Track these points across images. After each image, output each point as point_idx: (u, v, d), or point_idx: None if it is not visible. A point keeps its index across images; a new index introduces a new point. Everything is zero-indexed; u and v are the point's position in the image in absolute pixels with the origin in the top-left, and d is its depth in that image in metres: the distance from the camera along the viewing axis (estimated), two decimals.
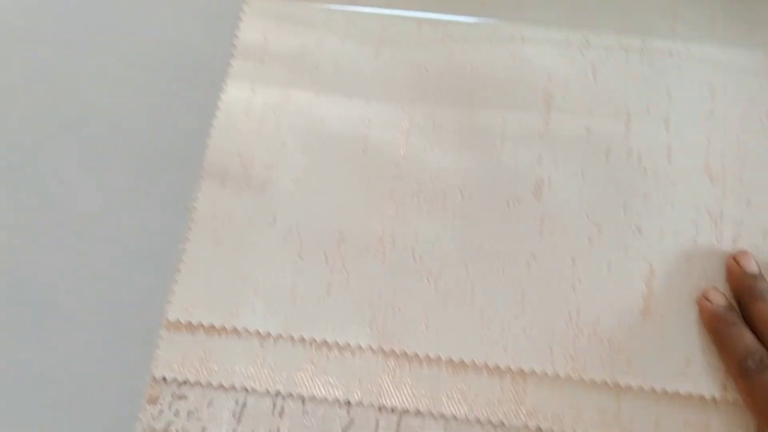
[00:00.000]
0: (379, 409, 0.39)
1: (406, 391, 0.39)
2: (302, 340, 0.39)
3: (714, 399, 0.38)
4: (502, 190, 0.42)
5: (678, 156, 0.42)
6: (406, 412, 0.39)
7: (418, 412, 0.39)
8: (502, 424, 0.38)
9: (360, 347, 0.39)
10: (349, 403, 0.39)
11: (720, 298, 0.39)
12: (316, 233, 0.41)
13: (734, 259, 0.39)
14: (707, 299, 0.39)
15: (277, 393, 0.39)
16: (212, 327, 0.40)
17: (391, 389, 0.39)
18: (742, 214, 0.41)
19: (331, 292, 0.40)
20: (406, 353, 0.39)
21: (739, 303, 0.39)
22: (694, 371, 0.38)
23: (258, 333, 0.40)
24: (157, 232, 0.43)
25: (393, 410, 0.39)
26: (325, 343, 0.39)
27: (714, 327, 0.38)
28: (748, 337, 0.37)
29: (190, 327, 0.40)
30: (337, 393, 0.39)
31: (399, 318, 0.40)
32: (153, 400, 0.39)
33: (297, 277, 0.41)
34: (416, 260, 0.41)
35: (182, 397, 0.39)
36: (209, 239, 0.41)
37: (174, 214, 0.43)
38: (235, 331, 0.40)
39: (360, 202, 0.42)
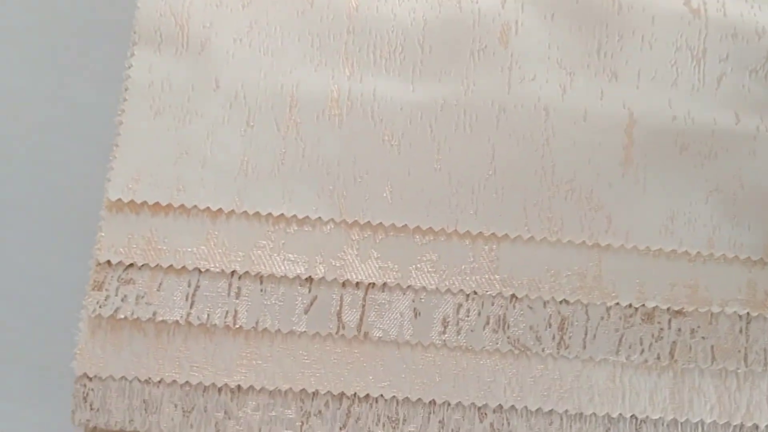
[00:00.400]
0: (343, 284, 0.36)
1: (372, 264, 0.36)
2: (257, 215, 0.36)
3: (701, 255, 0.35)
4: (465, 39, 0.37)
5: None
6: (372, 286, 0.36)
7: (384, 286, 0.36)
8: (475, 293, 0.35)
9: (320, 219, 0.36)
10: (311, 279, 0.36)
11: None
12: (264, 97, 0.37)
13: None
14: None
15: (233, 273, 0.36)
16: (158, 205, 0.36)
17: (356, 263, 0.36)
18: (727, 49, 0.37)
19: (286, 162, 0.36)
20: (370, 224, 0.36)
21: None
22: (680, 226, 0.35)
23: (209, 209, 0.36)
24: (88, 106, 0.39)
25: (358, 285, 0.36)
26: (283, 217, 0.36)
27: None
28: None
29: (134, 206, 0.36)
30: (297, 269, 0.36)
31: (361, 186, 0.36)
32: (98, 286, 0.36)
33: (247, 146, 0.37)
34: (376, 122, 0.37)
35: (129, 281, 0.36)
36: (148, 110, 0.37)
37: (105, 86, 0.39)
38: (183, 208, 0.36)
39: (311, 62, 0.37)
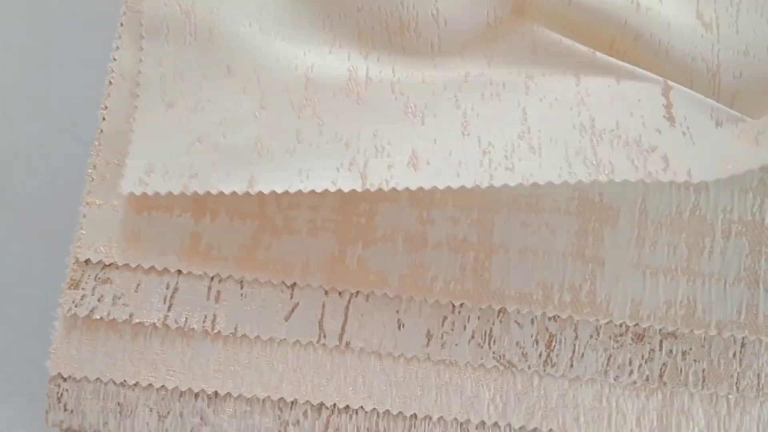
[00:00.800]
0: (326, 292, 0.35)
1: (356, 272, 0.34)
2: (242, 216, 0.35)
3: (702, 274, 0.34)
4: (479, 8, 0.35)
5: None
6: (355, 294, 0.35)
7: (369, 295, 0.35)
8: (462, 306, 0.34)
9: (312, 221, 0.35)
10: (293, 285, 0.35)
11: None
12: (278, 80, 0.35)
13: None
14: None
15: (214, 276, 0.35)
16: (141, 202, 0.35)
17: (342, 269, 0.35)
18: (741, 67, 0.35)
19: (303, 140, 0.34)
20: (362, 226, 0.35)
21: None
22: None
23: (192, 209, 0.35)
24: (86, 101, 0.38)
25: (341, 293, 0.35)
26: (270, 221, 0.35)
27: None
28: None
29: (115, 204, 0.35)
30: (281, 275, 0.34)
31: (383, 155, 0.33)
32: (74, 285, 0.35)
33: (261, 128, 0.34)
34: (397, 96, 0.35)
35: (107, 280, 0.35)
36: (160, 103, 0.35)
37: (89, 80, 0.38)
38: (166, 208, 0.35)
39: (324, 44, 0.36)
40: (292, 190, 0.33)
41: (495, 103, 0.34)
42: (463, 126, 0.34)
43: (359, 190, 0.33)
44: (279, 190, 0.33)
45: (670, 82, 0.35)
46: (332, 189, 0.33)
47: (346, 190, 0.33)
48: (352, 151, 0.33)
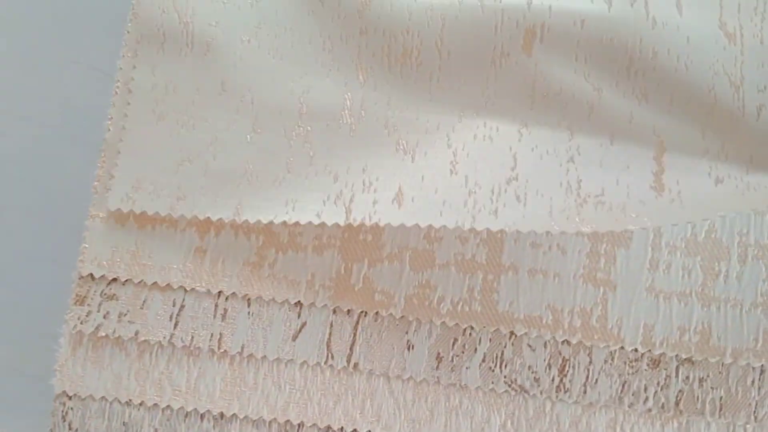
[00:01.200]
0: (334, 311, 0.34)
1: (364, 291, 0.34)
2: (248, 232, 0.34)
3: (717, 299, 0.33)
4: (486, 44, 0.35)
5: (690, 8, 0.35)
6: (364, 314, 0.34)
7: (377, 315, 0.34)
8: (472, 328, 0.33)
9: (316, 241, 0.34)
10: (300, 304, 0.34)
11: None
12: (273, 103, 0.35)
13: None
14: None
15: (220, 293, 0.34)
16: (144, 217, 0.34)
17: (349, 288, 0.34)
18: (765, 80, 0.34)
19: (292, 170, 0.34)
20: (367, 245, 0.34)
21: None
22: None
23: (197, 224, 0.34)
24: (83, 108, 0.37)
25: (349, 312, 0.34)
26: (275, 237, 0.34)
27: None
28: None
29: (121, 217, 0.34)
30: (287, 293, 0.34)
31: (370, 191, 0.33)
32: (80, 300, 0.34)
33: (252, 153, 0.34)
34: (390, 131, 0.34)
35: (112, 296, 0.34)
36: (150, 114, 0.35)
37: (103, 87, 0.37)
38: (171, 221, 0.34)
39: (322, 66, 0.35)
40: (277, 221, 0.33)
41: (487, 144, 0.34)
42: (452, 164, 0.33)
43: (342, 224, 0.33)
44: (264, 221, 0.33)
45: (666, 142, 0.34)
46: (316, 222, 0.33)
47: (329, 223, 0.33)
48: (339, 185, 0.33)
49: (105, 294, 0.34)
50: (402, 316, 0.34)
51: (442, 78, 0.35)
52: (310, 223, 0.33)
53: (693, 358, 0.33)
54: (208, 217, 0.34)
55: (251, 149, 0.34)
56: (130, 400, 0.34)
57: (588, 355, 0.33)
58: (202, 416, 0.34)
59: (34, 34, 0.39)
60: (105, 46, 0.37)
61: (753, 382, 0.33)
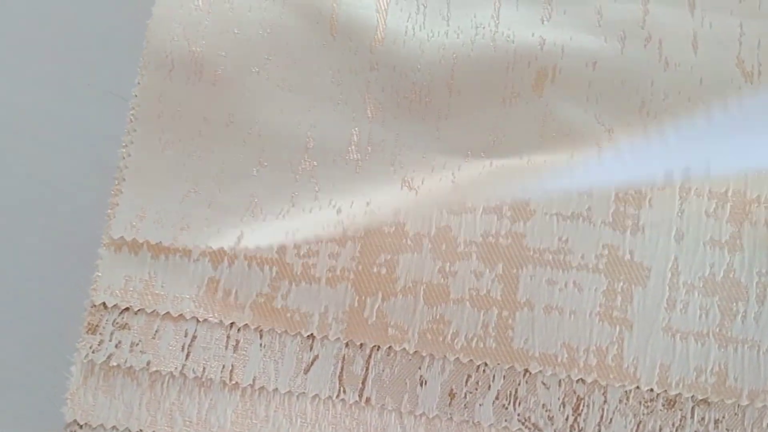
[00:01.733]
0: (347, 344, 0.34)
1: (378, 325, 0.34)
2: (261, 263, 0.34)
3: (733, 339, 0.33)
4: (497, 84, 0.35)
5: (706, 45, 0.35)
6: (377, 348, 0.34)
7: (390, 349, 0.34)
8: (486, 365, 0.33)
9: (330, 271, 0.34)
10: (312, 336, 0.34)
11: None
12: (280, 136, 0.35)
13: None
14: None
15: (232, 324, 0.34)
16: (158, 246, 0.34)
17: (362, 322, 0.34)
18: None
19: (297, 204, 0.34)
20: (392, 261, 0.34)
21: None
22: None
23: (211, 254, 0.34)
24: (94, 130, 0.37)
25: (362, 346, 0.34)
26: (288, 267, 0.34)
27: None
28: None
29: (134, 246, 0.34)
30: (300, 325, 0.34)
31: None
32: (92, 329, 0.34)
33: (257, 187, 0.35)
34: (396, 168, 0.34)
35: (125, 326, 0.34)
36: (157, 142, 0.35)
37: (114, 112, 0.37)
38: (185, 250, 0.34)
39: (330, 100, 0.35)
40: (275, 245, 0.34)
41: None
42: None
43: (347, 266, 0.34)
44: (264, 246, 0.33)
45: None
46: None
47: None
48: (342, 217, 0.34)
49: (117, 323, 0.34)
50: (415, 351, 0.33)
51: (450, 116, 0.35)
52: (312, 269, 0.34)
53: (709, 399, 0.33)
54: (209, 246, 0.34)
55: (257, 182, 0.35)
56: (141, 430, 0.34)
57: (603, 394, 0.33)
58: None
59: (49, 56, 0.40)
60: (121, 70, 0.37)
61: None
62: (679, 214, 0.34)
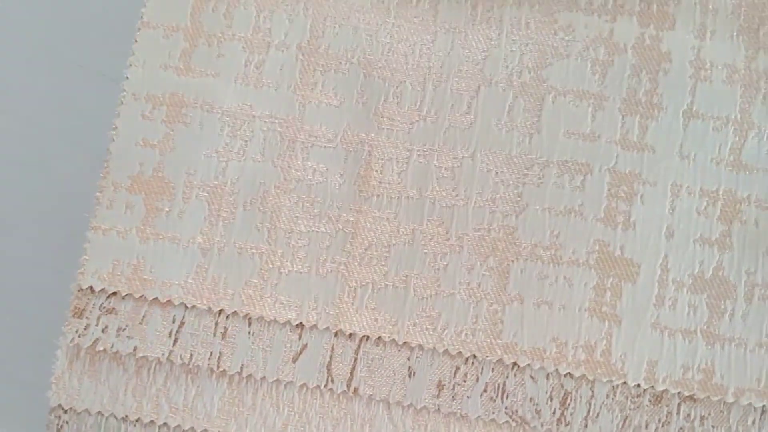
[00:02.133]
0: (336, 334, 0.34)
1: (367, 316, 0.33)
2: (251, 251, 0.34)
3: (720, 337, 0.33)
4: None
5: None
6: (366, 339, 0.34)
7: (379, 340, 0.34)
8: (475, 357, 0.33)
9: (318, 261, 0.34)
10: (301, 326, 0.34)
11: None
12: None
13: None
14: None
15: (220, 312, 0.34)
16: (147, 231, 0.34)
17: (351, 312, 0.34)
18: None
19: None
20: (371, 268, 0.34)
21: None
22: None
23: (201, 238, 0.34)
24: (85, 112, 0.37)
25: (351, 336, 0.34)
26: (278, 256, 0.34)
27: None
28: None
29: (123, 231, 0.34)
30: (289, 314, 0.33)
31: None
32: (78, 313, 0.34)
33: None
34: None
35: (111, 310, 0.34)
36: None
37: (108, 93, 0.36)
38: (174, 237, 0.34)
39: None
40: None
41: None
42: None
43: (337, 270, 0.34)
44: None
45: None
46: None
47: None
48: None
49: (104, 308, 0.34)
50: (404, 342, 0.33)
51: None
52: (303, 258, 0.34)
53: (695, 396, 0.33)
54: (213, 233, 0.34)
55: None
56: (126, 416, 0.34)
57: (590, 389, 0.33)
58: None
59: (40, 37, 0.39)
60: (112, 51, 0.36)
61: (754, 422, 0.33)
62: (670, 211, 0.34)
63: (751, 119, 0.34)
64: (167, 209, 0.34)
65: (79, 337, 0.34)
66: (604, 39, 0.35)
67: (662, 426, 0.33)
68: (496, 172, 0.34)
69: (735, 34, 0.35)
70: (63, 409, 0.34)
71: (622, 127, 0.34)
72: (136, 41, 0.35)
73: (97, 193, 0.35)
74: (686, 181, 0.34)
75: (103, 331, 0.34)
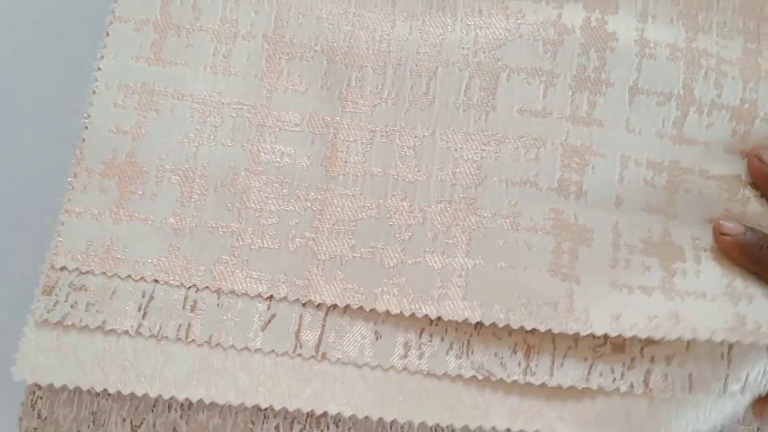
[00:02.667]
0: (304, 304, 0.34)
1: (336, 286, 0.34)
2: (222, 229, 0.35)
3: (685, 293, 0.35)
4: None
5: None
6: (333, 307, 0.34)
7: (347, 308, 0.34)
8: (440, 319, 0.34)
9: (288, 237, 0.35)
10: (271, 297, 0.34)
11: (736, 225, 0.35)
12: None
13: (757, 157, 0.35)
14: (725, 234, 0.35)
15: (191, 286, 0.34)
16: (119, 212, 0.35)
17: (321, 283, 0.34)
18: None
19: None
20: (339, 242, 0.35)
21: None
22: None
23: (173, 219, 0.35)
24: (60, 105, 0.38)
25: (319, 306, 0.34)
26: (248, 233, 0.35)
27: (752, 258, 0.34)
28: None
29: (95, 212, 0.35)
30: (259, 288, 0.34)
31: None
32: (48, 291, 0.34)
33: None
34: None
35: (81, 287, 0.34)
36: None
37: (81, 86, 0.37)
38: (148, 218, 0.35)
39: None
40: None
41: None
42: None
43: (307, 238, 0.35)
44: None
45: None
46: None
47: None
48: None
49: (74, 285, 0.34)
50: (372, 309, 0.34)
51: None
52: (273, 234, 0.35)
53: (663, 340, 0.33)
54: (185, 211, 0.35)
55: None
56: (93, 387, 0.33)
57: (551, 342, 0.34)
58: (169, 406, 0.34)
59: (14, 32, 0.40)
60: (84, 45, 0.38)
61: (722, 355, 0.34)
62: (620, 181, 0.36)
63: (693, 95, 0.36)
64: (140, 192, 0.35)
65: (48, 312, 0.34)
66: (553, 21, 0.37)
67: (628, 370, 0.34)
68: (456, 149, 0.36)
69: (675, 18, 0.37)
70: (38, 386, 0.34)
71: (572, 104, 0.36)
72: (108, 34, 0.37)
73: (70, 178, 0.35)
74: (633, 152, 0.36)
75: (72, 306, 0.34)
